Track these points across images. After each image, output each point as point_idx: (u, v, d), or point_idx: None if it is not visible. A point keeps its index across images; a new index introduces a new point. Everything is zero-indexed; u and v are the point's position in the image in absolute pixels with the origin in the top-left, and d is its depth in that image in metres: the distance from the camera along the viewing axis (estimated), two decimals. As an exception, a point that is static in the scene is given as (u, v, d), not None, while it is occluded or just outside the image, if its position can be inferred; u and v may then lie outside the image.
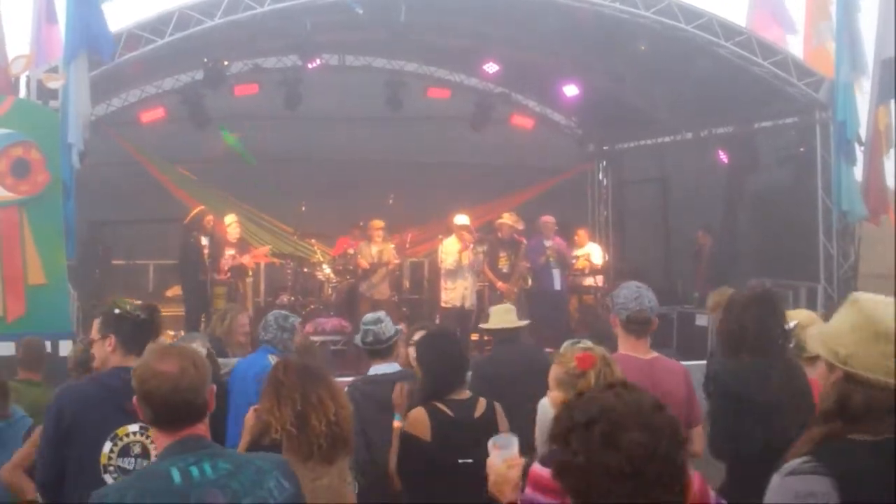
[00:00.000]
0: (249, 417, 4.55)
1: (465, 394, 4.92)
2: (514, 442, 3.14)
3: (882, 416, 2.66)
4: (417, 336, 6.19)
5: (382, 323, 5.81)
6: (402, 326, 6.44)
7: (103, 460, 4.06)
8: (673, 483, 1.94)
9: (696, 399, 4.94)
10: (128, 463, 4.07)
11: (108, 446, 4.06)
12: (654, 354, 4.97)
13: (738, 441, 4.69)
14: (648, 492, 1.90)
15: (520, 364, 6.53)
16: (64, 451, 4.01)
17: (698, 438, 4.84)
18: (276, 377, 4.39)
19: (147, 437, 4.05)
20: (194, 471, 2.85)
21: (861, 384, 2.69)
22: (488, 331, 7.89)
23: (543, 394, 4.18)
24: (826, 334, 2.89)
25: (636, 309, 4.85)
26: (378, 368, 5.70)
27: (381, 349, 5.75)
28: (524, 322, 7.70)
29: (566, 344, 6.17)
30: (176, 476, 2.83)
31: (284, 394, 4.28)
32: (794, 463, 2.67)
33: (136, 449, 4.08)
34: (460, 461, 4.49)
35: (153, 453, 4.02)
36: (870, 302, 2.81)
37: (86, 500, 2.91)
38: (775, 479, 2.70)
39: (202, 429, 3.02)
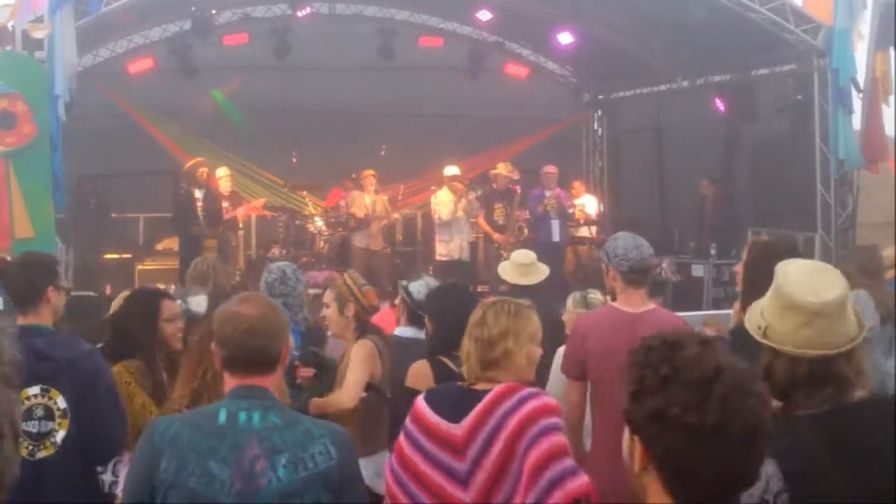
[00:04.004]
0: None
1: None
2: None
3: (813, 388, 2.63)
4: (412, 286, 6.02)
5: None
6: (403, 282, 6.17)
7: None
8: (762, 457, 1.86)
9: None
10: (32, 426, 3.87)
11: None
12: (650, 307, 4.77)
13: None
14: (750, 463, 1.82)
15: None
16: None
17: None
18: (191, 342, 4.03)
19: (49, 397, 3.89)
20: (242, 416, 2.85)
21: (782, 357, 2.66)
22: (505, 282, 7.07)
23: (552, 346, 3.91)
24: (753, 307, 2.84)
25: (638, 258, 4.70)
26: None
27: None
28: (541, 278, 7.00)
29: (575, 295, 6.01)
30: (222, 417, 2.86)
31: (190, 365, 3.93)
32: None
33: (39, 412, 3.89)
34: None
35: (57, 414, 3.89)
36: (786, 270, 2.76)
37: None
38: None
39: (270, 381, 2.97)
